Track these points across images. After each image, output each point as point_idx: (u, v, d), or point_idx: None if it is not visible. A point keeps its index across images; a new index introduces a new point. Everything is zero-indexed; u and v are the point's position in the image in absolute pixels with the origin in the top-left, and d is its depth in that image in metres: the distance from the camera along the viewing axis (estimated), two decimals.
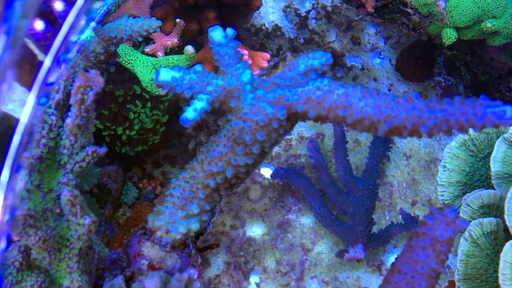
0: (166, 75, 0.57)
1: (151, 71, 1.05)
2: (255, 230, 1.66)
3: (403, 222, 1.61)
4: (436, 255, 0.54)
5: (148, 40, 1.20)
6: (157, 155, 1.70)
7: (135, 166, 1.71)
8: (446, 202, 0.99)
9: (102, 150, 0.56)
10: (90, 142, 0.56)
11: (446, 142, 1.73)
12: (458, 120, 0.49)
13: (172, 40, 1.13)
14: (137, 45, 1.19)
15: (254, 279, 1.61)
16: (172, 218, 0.59)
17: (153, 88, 1.03)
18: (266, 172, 1.68)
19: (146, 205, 1.38)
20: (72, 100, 0.54)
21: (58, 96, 0.54)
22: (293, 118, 0.57)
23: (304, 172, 1.69)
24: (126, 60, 1.06)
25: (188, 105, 0.58)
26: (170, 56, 1.11)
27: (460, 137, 0.98)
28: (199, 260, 0.63)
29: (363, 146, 1.74)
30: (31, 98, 0.46)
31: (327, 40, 1.76)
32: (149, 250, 0.58)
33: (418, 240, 0.56)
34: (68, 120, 0.54)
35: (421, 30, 1.13)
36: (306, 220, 1.70)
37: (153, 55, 1.13)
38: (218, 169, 0.58)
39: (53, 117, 0.54)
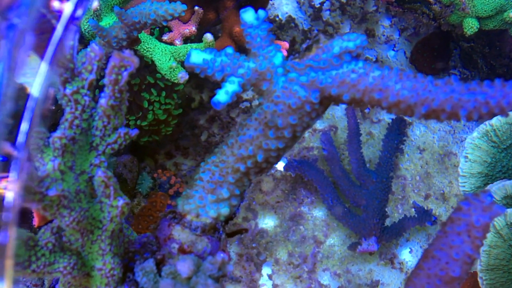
0: (197, 57, 0.57)
1: (170, 59, 1.04)
2: (267, 222, 1.66)
3: (416, 216, 1.60)
4: (471, 241, 0.53)
5: (163, 29, 1.20)
6: (169, 146, 1.70)
7: (148, 157, 1.71)
8: (467, 193, 0.98)
9: (134, 132, 0.56)
10: (123, 124, 0.56)
11: (460, 136, 1.72)
12: (499, 103, 0.48)
13: (190, 29, 1.13)
14: (153, 34, 1.18)
15: (266, 270, 1.61)
16: (202, 202, 0.59)
17: (172, 76, 1.02)
18: (279, 164, 1.68)
19: (161, 195, 1.38)
20: (106, 80, 0.53)
21: (91, 77, 0.53)
22: (326, 101, 0.56)
23: (317, 165, 1.68)
24: (145, 48, 1.06)
25: (220, 88, 0.57)
26: (189, 44, 1.10)
27: (482, 127, 0.97)
28: (228, 245, 0.62)
29: (376, 139, 1.73)
30: (43, 66, 0.47)
31: (341, 32, 1.74)
32: (180, 234, 0.57)
33: (453, 226, 0.55)
34: (102, 101, 0.53)
35: (441, 20, 1.12)
36: (318, 213, 1.70)
37: (171, 43, 1.12)
38: (248, 153, 0.58)
39: (86, 98, 0.54)
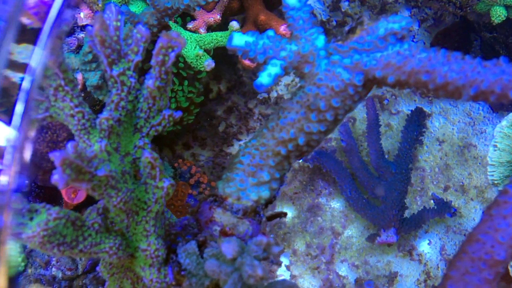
0: (239, 39, 0.57)
1: (195, 47, 1.04)
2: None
3: (435, 207, 1.59)
4: None
5: (185, 17, 1.20)
6: (187, 137, 1.71)
7: (166, 147, 1.72)
8: (495, 182, 0.97)
9: (178, 114, 0.56)
10: (167, 106, 0.56)
11: (480, 127, 1.71)
12: None
13: (215, 17, 1.12)
14: (177, 22, 1.18)
15: (284, 261, 1.62)
16: (243, 185, 0.59)
17: (199, 64, 1.02)
18: None
19: (182, 184, 1.38)
20: (153, 62, 0.53)
21: (137, 58, 0.53)
22: (370, 84, 0.56)
23: (335, 156, 1.68)
24: None
25: (262, 71, 0.57)
26: (214, 32, 1.10)
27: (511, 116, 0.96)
28: (268, 229, 0.62)
29: (395, 130, 1.72)
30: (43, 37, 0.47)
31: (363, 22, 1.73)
32: (221, 217, 0.57)
33: (499, 209, 0.55)
34: (149, 82, 0.53)
35: (468, 8, 1.11)
36: (336, 204, 1.69)
37: (195, 31, 1.12)
38: (290, 136, 0.58)
39: (132, 80, 0.54)
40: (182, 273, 0.56)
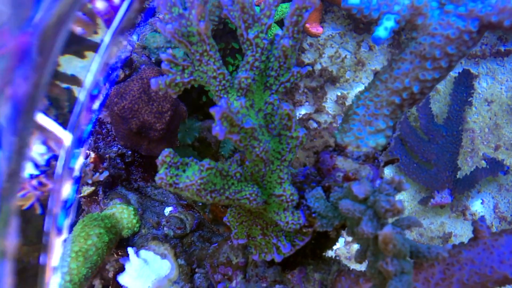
0: None
1: None
2: None
3: (488, 167, 1.62)
4: None
5: None
6: None
7: None
8: None
9: (305, 70, 0.60)
10: (295, 64, 0.59)
11: None
12: None
13: None
14: None
15: None
16: (361, 134, 0.63)
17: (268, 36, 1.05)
18: None
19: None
20: (287, 22, 0.57)
21: (270, 22, 0.57)
22: (483, 30, 0.59)
23: None
24: None
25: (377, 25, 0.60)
26: (279, 4, 1.13)
27: None
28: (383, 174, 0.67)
29: (442, 94, 1.74)
30: None
31: None
32: (343, 163, 0.62)
33: None
34: (285, 41, 0.57)
35: None
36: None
37: (258, 5, 1.15)
38: (405, 85, 0.61)
39: (265, 41, 0.58)
40: (313, 215, 0.61)
